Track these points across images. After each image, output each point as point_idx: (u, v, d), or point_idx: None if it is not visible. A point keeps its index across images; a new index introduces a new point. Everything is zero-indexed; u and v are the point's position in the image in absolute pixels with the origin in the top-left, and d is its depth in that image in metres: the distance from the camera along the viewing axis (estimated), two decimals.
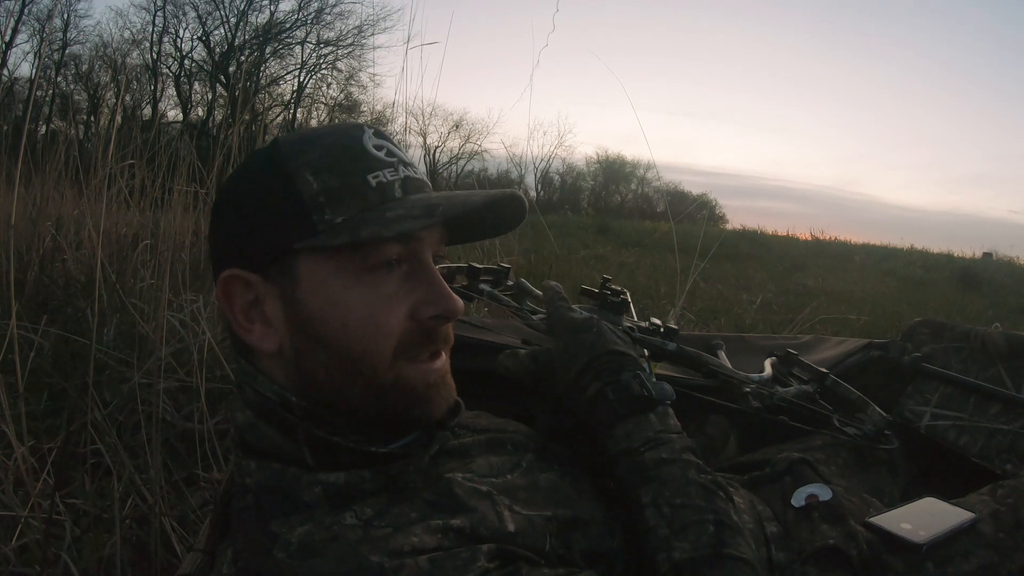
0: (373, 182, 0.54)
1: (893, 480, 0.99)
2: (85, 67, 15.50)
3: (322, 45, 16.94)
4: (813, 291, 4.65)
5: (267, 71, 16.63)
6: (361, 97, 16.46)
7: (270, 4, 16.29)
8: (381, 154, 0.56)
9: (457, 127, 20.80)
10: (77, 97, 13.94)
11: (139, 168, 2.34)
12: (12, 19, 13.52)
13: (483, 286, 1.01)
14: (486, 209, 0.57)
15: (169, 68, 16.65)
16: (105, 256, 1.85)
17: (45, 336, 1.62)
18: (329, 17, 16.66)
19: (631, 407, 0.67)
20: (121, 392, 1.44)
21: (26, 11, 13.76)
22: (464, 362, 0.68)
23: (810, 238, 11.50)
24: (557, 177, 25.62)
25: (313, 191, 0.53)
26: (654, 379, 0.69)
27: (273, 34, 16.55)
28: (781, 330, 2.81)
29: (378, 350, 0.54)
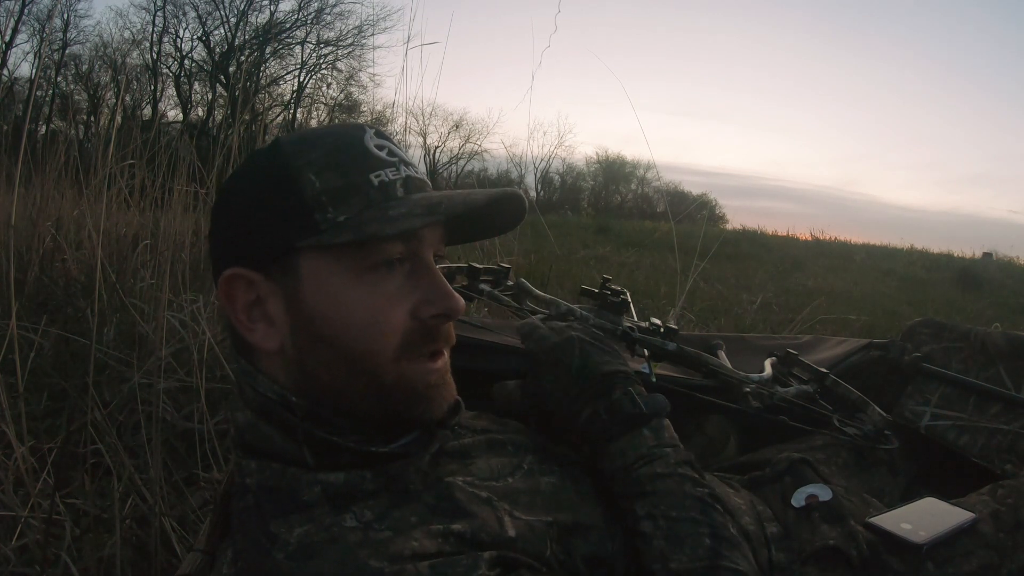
0: (375, 181, 0.54)
1: (893, 480, 0.99)
2: (85, 67, 15.53)
3: (322, 45, 16.96)
4: (813, 291, 4.64)
5: (267, 71, 16.66)
6: (361, 97, 16.48)
7: (270, 4, 16.31)
8: (383, 154, 0.56)
9: (457, 127, 20.83)
10: (77, 97, 13.97)
11: (139, 168, 2.34)
12: (12, 19, 13.53)
13: (483, 286, 1.01)
14: (487, 208, 0.57)
15: (169, 68, 16.67)
16: (105, 256, 1.85)
17: (45, 336, 1.62)
18: (329, 17, 16.68)
19: (624, 426, 0.67)
20: (121, 392, 1.44)
21: (26, 11, 13.77)
22: (464, 362, 0.68)
23: (810, 238, 11.49)
24: (557, 177, 25.63)
25: (316, 190, 0.53)
26: (654, 378, 0.69)
27: (273, 34, 16.55)
28: (781, 330, 2.81)
29: (381, 349, 0.54)
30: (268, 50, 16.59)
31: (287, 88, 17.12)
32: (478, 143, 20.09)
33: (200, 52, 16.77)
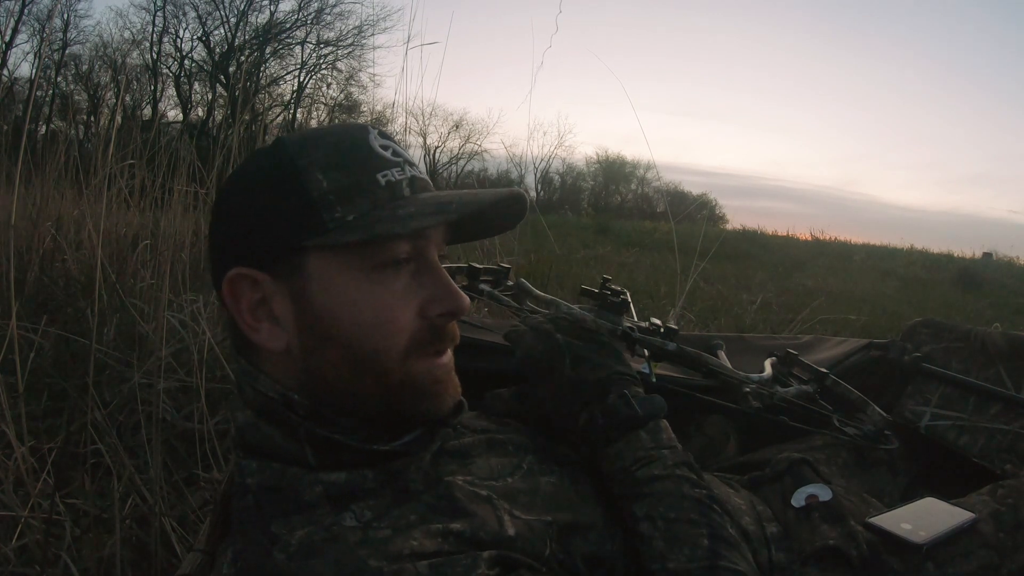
0: (382, 181, 0.54)
1: (893, 480, 0.99)
2: (85, 67, 15.51)
3: (322, 45, 16.95)
4: (813, 291, 4.64)
5: (267, 71, 16.64)
6: (361, 97, 16.46)
7: (270, 4, 16.30)
8: (387, 153, 0.56)
9: (457, 127, 20.80)
10: (77, 97, 13.95)
11: (139, 168, 2.34)
12: (12, 19, 13.52)
13: (483, 286, 1.01)
14: (492, 208, 0.58)
15: (169, 68, 16.65)
16: (105, 256, 1.85)
17: (45, 336, 1.63)
18: (329, 17, 16.66)
19: (620, 429, 0.68)
20: (121, 392, 1.44)
21: (26, 11, 13.74)
22: (464, 362, 0.68)
23: (810, 238, 11.52)
24: (557, 177, 25.62)
25: (323, 189, 0.53)
26: (654, 378, 0.69)
27: (273, 34, 16.54)
28: (781, 330, 2.81)
29: (389, 347, 0.54)
30: (268, 50, 16.60)
31: (287, 88, 17.13)
32: (478, 143, 20.07)
33: (200, 52, 16.78)
